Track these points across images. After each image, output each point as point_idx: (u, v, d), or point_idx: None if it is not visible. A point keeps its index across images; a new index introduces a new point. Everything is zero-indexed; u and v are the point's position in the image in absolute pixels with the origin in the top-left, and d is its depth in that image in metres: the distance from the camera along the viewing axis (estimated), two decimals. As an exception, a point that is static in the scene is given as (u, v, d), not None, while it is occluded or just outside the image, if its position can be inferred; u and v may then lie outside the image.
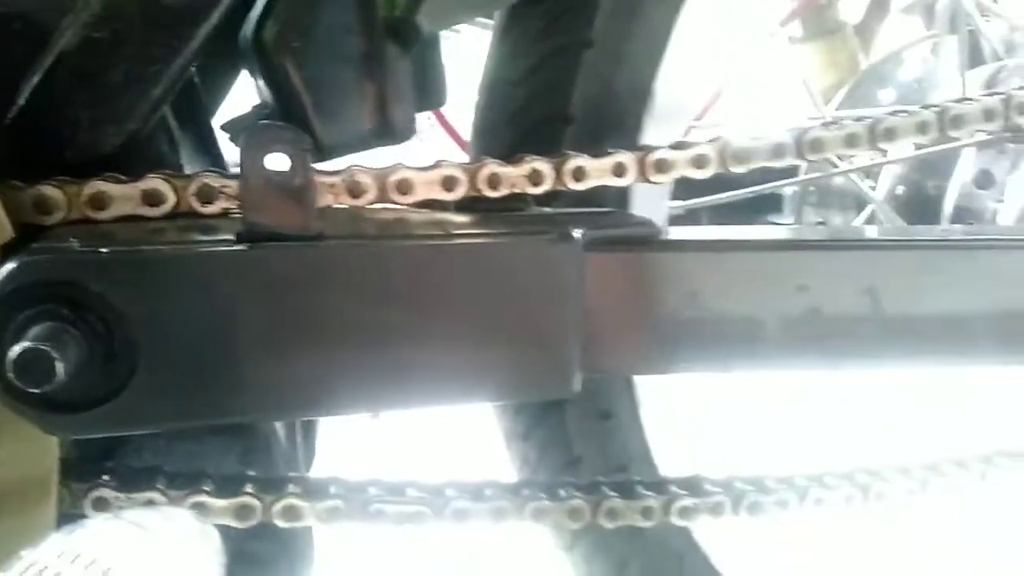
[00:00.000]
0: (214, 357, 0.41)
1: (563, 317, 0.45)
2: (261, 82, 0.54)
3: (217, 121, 0.63)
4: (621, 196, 0.62)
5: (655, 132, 0.61)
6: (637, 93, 0.61)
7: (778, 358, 0.48)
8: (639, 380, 0.68)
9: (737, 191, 0.79)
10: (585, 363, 0.47)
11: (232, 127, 0.60)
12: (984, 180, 0.77)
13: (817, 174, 0.89)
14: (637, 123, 0.61)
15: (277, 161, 0.40)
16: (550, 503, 0.55)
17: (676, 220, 0.93)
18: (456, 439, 1.23)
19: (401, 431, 1.39)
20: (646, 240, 0.47)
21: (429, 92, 0.64)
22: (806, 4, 1.18)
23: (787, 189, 0.99)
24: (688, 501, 0.57)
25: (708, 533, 0.74)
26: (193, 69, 0.60)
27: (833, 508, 0.60)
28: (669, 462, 0.71)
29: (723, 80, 1.00)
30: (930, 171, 0.84)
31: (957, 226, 0.77)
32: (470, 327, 0.44)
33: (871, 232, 0.65)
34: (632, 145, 0.57)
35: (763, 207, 1.02)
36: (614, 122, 0.60)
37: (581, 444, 0.67)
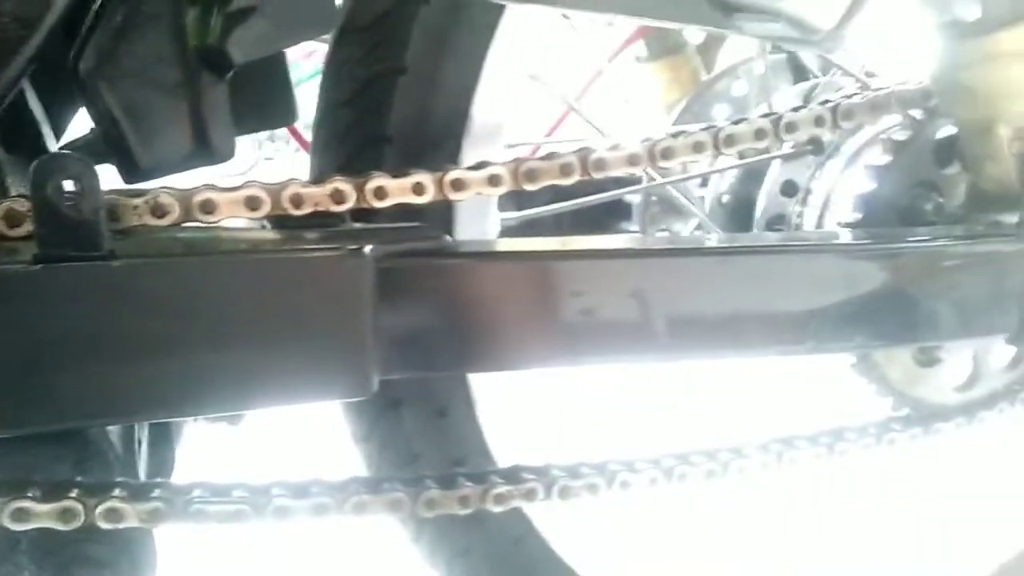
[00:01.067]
0: (15, 371, 0.44)
1: (355, 324, 0.49)
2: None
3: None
4: (446, 210, 0.67)
5: (473, 152, 0.67)
6: (454, 116, 0.66)
7: (556, 356, 0.53)
8: (474, 379, 0.73)
9: (577, 200, 0.85)
10: (382, 365, 0.51)
11: (69, 150, 0.62)
12: (789, 188, 0.85)
13: (642, 185, 0.97)
14: (456, 144, 0.66)
15: (69, 186, 0.43)
16: (370, 497, 0.59)
17: (533, 227, 0.99)
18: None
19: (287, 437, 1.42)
20: (433, 252, 0.52)
21: (278, 110, 0.68)
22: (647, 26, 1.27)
23: (635, 198, 1.07)
24: (503, 488, 0.62)
25: (550, 519, 0.80)
26: (26, 95, 0.63)
27: (639, 490, 0.66)
28: (509, 454, 0.76)
29: (570, 99, 1.07)
30: (751, 180, 0.92)
31: (769, 233, 0.85)
32: (267, 337, 0.48)
33: (639, 242, 0.72)
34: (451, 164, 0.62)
35: (617, 214, 1.09)
36: (432, 143, 0.65)
37: (419, 442, 0.72)
